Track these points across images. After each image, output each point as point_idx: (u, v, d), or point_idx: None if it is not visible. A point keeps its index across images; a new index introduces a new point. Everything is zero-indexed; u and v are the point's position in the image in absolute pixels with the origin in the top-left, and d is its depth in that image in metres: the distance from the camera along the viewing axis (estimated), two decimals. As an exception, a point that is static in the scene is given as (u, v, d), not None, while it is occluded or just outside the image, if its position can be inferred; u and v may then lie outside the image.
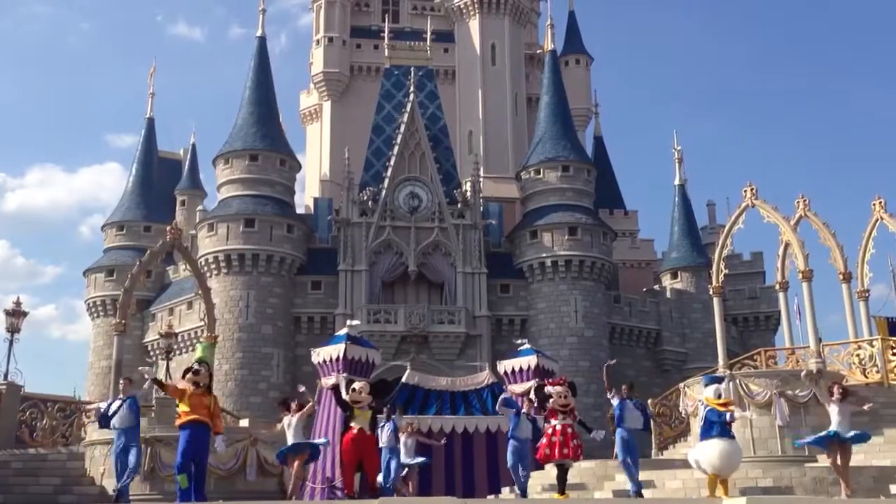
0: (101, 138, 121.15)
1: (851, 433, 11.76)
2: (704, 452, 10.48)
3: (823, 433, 11.83)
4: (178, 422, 10.41)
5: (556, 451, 10.95)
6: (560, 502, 11.17)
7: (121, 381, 13.97)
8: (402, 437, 15.90)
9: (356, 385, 11.42)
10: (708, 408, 10.79)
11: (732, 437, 10.49)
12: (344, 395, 11.38)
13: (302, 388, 14.99)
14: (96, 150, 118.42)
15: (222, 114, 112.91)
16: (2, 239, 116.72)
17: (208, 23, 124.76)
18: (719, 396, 10.71)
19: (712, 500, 10.34)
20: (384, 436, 14.56)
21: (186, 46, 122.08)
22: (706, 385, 11.01)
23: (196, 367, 10.46)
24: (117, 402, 13.33)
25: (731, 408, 10.69)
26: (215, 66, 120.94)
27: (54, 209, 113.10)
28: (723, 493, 10.50)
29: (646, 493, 13.70)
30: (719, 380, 11.08)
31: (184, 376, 10.45)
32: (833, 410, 11.99)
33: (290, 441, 13.34)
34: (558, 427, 10.99)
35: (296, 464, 13.24)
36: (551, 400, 11.16)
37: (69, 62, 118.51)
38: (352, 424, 11.22)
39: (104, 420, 13.37)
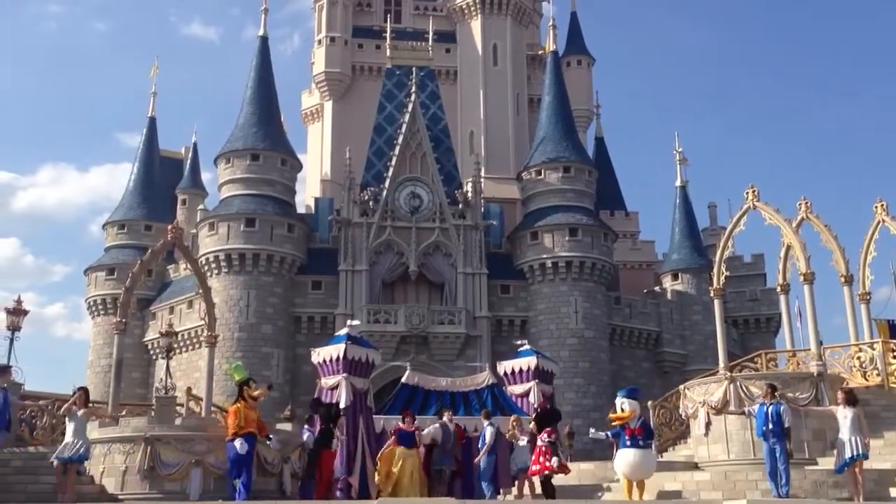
0: (113, 137, 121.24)
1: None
2: (616, 460, 12.60)
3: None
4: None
5: (541, 465, 13.60)
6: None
7: None
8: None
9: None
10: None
11: (641, 446, 12.11)
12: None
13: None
14: (108, 149, 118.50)
15: (231, 113, 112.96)
16: (12, 237, 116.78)
17: (223, 23, 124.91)
18: (622, 410, 12.35)
19: (709, 501, 10.42)
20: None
21: (201, 46, 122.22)
22: (619, 398, 12.71)
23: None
24: None
25: (620, 423, 12.31)
26: (228, 66, 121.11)
27: (65, 208, 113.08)
28: (638, 496, 12.16)
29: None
30: (632, 392, 12.64)
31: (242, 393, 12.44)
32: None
33: (69, 434, 12.65)
34: (543, 447, 13.67)
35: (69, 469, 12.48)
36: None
37: (83, 61, 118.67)
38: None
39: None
